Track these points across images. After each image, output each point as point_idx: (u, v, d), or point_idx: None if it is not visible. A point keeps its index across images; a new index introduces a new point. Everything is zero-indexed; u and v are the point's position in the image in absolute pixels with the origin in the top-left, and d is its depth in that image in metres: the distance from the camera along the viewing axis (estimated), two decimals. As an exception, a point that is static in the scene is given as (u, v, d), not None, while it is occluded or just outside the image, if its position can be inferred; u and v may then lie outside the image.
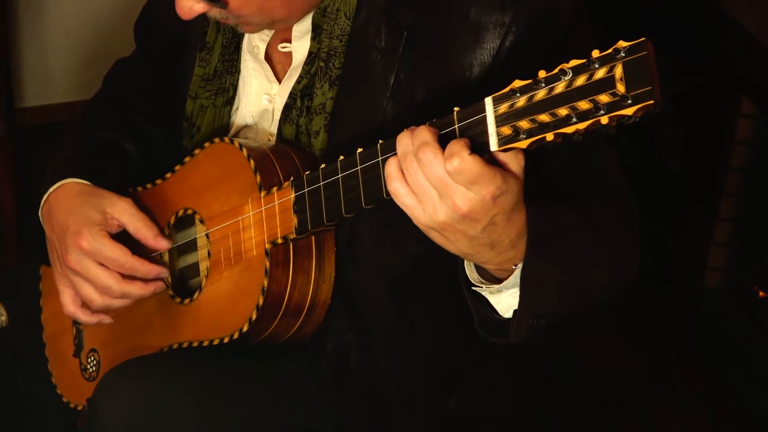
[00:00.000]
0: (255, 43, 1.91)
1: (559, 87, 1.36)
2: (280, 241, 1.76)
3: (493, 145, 1.43)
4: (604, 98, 1.32)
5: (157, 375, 1.85)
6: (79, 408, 2.07)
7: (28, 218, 2.01)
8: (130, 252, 1.88)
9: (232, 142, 1.84)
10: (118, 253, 1.87)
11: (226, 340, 1.83)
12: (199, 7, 1.74)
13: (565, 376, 2.06)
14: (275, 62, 1.92)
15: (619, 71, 1.31)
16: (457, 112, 1.47)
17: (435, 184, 1.45)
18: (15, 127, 3.44)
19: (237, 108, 1.96)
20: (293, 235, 1.75)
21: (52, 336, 2.13)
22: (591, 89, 1.33)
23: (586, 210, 1.68)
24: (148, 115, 2.13)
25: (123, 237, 1.92)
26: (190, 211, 1.91)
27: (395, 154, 1.52)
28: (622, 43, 1.31)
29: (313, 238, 1.80)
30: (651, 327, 3.36)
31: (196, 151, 1.90)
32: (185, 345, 1.89)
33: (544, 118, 1.37)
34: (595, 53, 1.33)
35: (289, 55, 1.89)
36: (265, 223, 1.78)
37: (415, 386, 1.89)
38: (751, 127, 3.08)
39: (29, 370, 2.13)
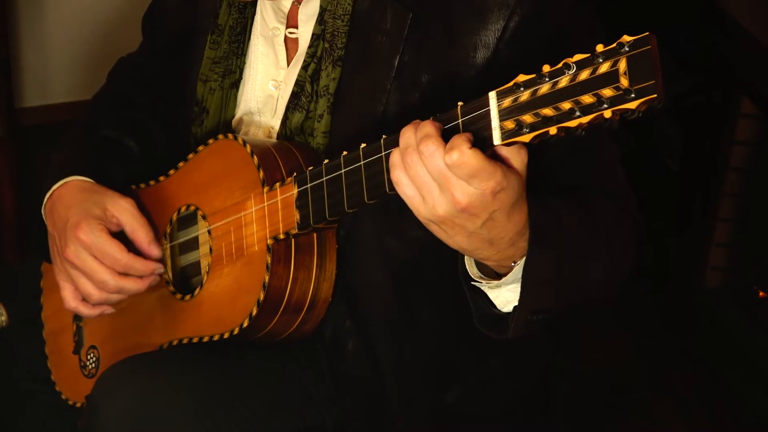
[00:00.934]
0: (273, 25, 1.92)
1: (563, 81, 1.36)
2: (282, 236, 1.77)
3: (497, 139, 1.43)
4: (607, 92, 1.33)
5: (157, 373, 1.85)
6: (78, 405, 2.07)
7: (28, 218, 2.02)
8: (126, 249, 1.89)
9: (236, 138, 1.84)
10: (114, 249, 1.88)
11: (226, 336, 1.83)
12: None
13: (565, 377, 2.06)
14: (287, 48, 1.92)
15: (623, 65, 1.32)
16: (461, 106, 1.48)
17: (435, 177, 1.46)
18: (15, 127, 3.44)
19: (242, 92, 1.96)
20: (295, 231, 1.75)
21: (52, 333, 2.14)
22: (595, 83, 1.34)
23: (586, 205, 1.68)
24: (151, 113, 2.14)
25: (122, 236, 1.92)
26: (192, 208, 1.92)
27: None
28: (626, 38, 1.32)
29: (315, 235, 1.80)
30: (651, 327, 3.36)
31: (200, 148, 1.91)
32: (185, 341, 1.89)
33: (547, 111, 1.38)
34: (600, 47, 1.34)
35: (296, 41, 1.90)
36: (268, 218, 1.78)
37: (412, 377, 1.89)
38: (751, 127, 3.09)
39: (29, 369, 2.14)
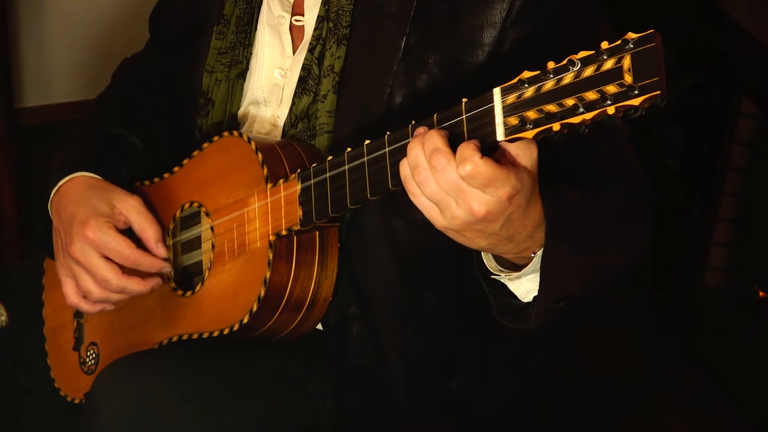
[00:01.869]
0: (279, 13, 1.92)
1: (568, 78, 1.37)
2: (284, 232, 1.77)
3: (500, 135, 1.43)
4: (611, 89, 1.33)
5: (156, 371, 1.85)
6: (76, 401, 2.07)
7: (28, 218, 2.02)
8: (134, 245, 1.89)
9: (240, 135, 1.84)
10: (122, 245, 1.88)
11: (225, 332, 1.83)
12: None
13: (567, 375, 2.05)
14: (292, 36, 1.93)
15: (627, 62, 1.32)
16: (465, 102, 1.48)
17: (450, 189, 1.46)
18: (15, 127, 3.44)
19: (248, 82, 1.96)
20: (298, 227, 1.75)
21: (52, 330, 2.13)
22: (599, 80, 1.34)
23: (598, 189, 1.69)
24: (155, 112, 2.14)
25: (127, 233, 1.92)
26: (195, 204, 1.92)
27: (402, 144, 1.54)
28: (631, 35, 1.32)
29: (317, 233, 1.81)
30: (653, 327, 3.36)
31: (205, 145, 1.91)
32: (185, 337, 1.89)
33: (551, 108, 1.38)
34: (604, 44, 1.34)
35: (301, 29, 1.90)
36: (270, 215, 1.79)
37: (415, 364, 1.89)
38: (751, 127, 3.09)
39: (29, 368, 2.13)
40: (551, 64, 1.39)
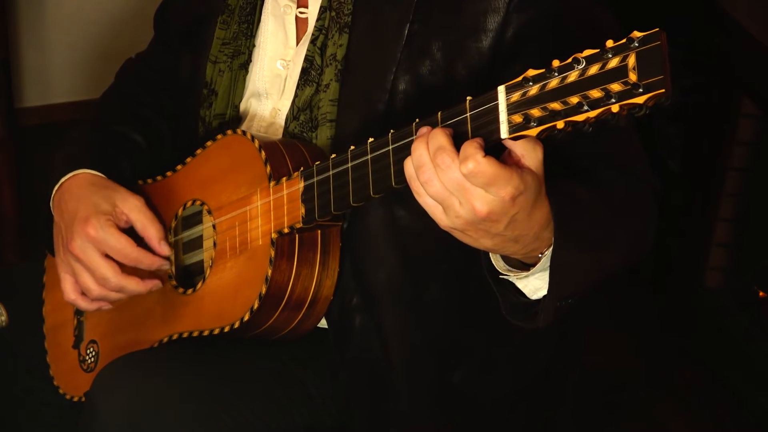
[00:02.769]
0: (285, 3, 1.92)
1: (572, 76, 1.37)
2: (286, 230, 1.77)
3: (504, 133, 1.44)
4: (615, 87, 1.33)
5: (156, 371, 1.85)
6: (75, 399, 2.07)
7: (28, 218, 2.02)
8: (135, 243, 1.89)
9: (244, 133, 1.85)
10: (123, 243, 1.88)
11: (226, 330, 1.83)
12: None
13: (569, 372, 2.05)
14: (298, 28, 1.93)
15: (632, 61, 1.32)
16: (470, 100, 1.48)
17: (453, 188, 1.46)
18: (15, 127, 3.44)
19: (250, 74, 1.96)
20: (300, 225, 1.75)
21: (52, 328, 2.13)
22: (603, 78, 1.34)
23: (604, 183, 1.69)
24: (158, 111, 2.14)
25: (128, 232, 1.92)
26: (198, 203, 1.92)
27: (406, 143, 1.54)
28: (636, 33, 1.33)
29: (319, 232, 1.81)
30: (652, 327, 3.36)
31: (208, 143, 1.91)
32: (185, 335, 1.89)
33: (555, 106, 1.38)
34: (609, 43, 1.34)
35: (305, 21, 1.90)
36: (273, 212, 1.79)
37: (418, 354, 1.89)
38: (751, 127, 3.09)
39: (29, 368, 2.13)
40: (556, 62, 1.39)
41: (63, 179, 1.97)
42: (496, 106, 1.44)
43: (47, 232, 2.02)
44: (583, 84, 1.36)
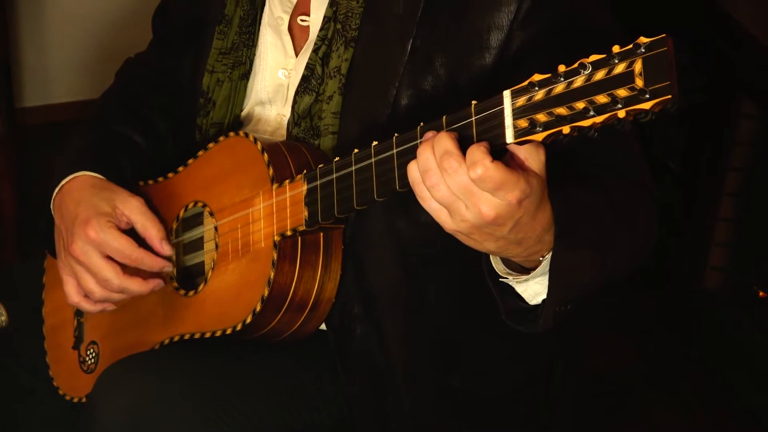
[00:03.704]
0: (278, 15, 1.92)
1: (578, 81, 1.37)
2: (289, 233, 1.77)
3: (509, 138, 1.43)
4: (622, 92, 1.33)
5: (157, 372, 1.85)
6: (75, 400, 2.07)
7: (28, 218, 2.01)
8: (136, 244, 1.89)
9: (246, 135, 1.84)
10: (124, 245, 1.88)
11: (228, 332, 1.83)
12: None
13: (570, 372, 2.06)
14: (295, 36, 1.93)
15: (638, 66, 1.32)
16: (475, 105, 1.48)
17: (460, 192, 1.46)
18: (15, 127, 3.44)
19: (252, 83, 1.96)
20: (303, 228, 1.75)
21: (52, 328, 2.13)
22: (610, 83, 1.34)
23: (604, 187, 1.69)
24: (158, 110, 2.13)
25: (129, 234, 1.92)
26: (200, 204, 1.92)
27: (411, 146, 1.54)
28: (642, 39, 1.32)
29: (321, 234, 1.81)
30: (651, 328, 3.36)
31: (210, 145, 1.91)
32: (186, 337, 1.89)
33: (561, 111, 1.38)
34: (616, 48, 1.34)
35: (306, 29, 1.90)
36: (276, 215, 1.79)
37: (419, 356, 1.89)
38: (751, 127, 3.09)
39: (29, 368, 2.13)
40: (562, 68, 1.39)
41: (63, 182, 1.97)
42: (502, 111, 1.44)
43: (48, 235, 2.02)
44: (590, 89, 1.35)
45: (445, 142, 1.47)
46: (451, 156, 1.45)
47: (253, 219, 1.83)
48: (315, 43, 1.86)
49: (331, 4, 1.84)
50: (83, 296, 1.94)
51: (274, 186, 1.79)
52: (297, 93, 1.88)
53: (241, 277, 1.84)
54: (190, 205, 1.94)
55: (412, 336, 1.88)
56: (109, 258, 1.89)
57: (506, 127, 1.43)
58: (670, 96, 1.30)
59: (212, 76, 1.97)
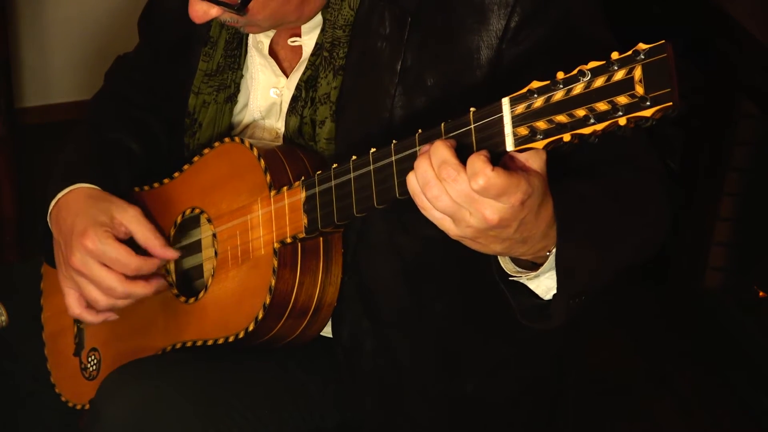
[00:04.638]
0: (259, 39, 1.91)
1: (578, 88, 1.36)
2: (289, 240, 1.76)
3: (509, 146, 1.43)
4: (622, 100, 1.32)
5: (160, 377, 1.85)
6: (78, 407, 2.07)
7: (28, 218, 2.00)
8: (134, 252, 1.88)
9: (242, 141, 1.84)
10: (122, 254, 1.87)
11: (231, 340, 1.83)
12: (214, 12, 1.74)
13: (572, 373, 2.06)
14: (281, 58, 1.92)
15: (638, 73, 1.31)
16: (474, 112, 1.47)
17: (463, 201, 1.45)
18: (15, 127, 3.44)
19: (245, 105, 1.96)
20: (302, 235, 1.75)
21: (52, 335, 2.13)
22: (609, 91, 1.33)
23: (607, 175, 1.68)
24: (151, 110, 2.11)
25: (128, 242, 1.92)
26: (197, 211, 1.91)
27: (410, 153, 1.53)
28: (641, 45, 1.31)
29: (321, 239, 1.80)
30: (651, 327, 3.36)
31: (206, 151, 1.90)
32: (189, 344, 1.89)
33: (561, 118, 1.37)
34: (615, 55, 1.33)
35: (297, 49, 1.89)
36: (274, 222, 1.78)
37: (427, 368, 1.90)
38: (751, 127, 3.09)
39: (30, 370, 2.13)
40: (560, 74, 1.38)
41: (59, 195, 1.96)
42: (501, 119, 1.43)
43: (47, 247, 2.01)
44: (590, 96, 1.35)
45: (441, 151, 1.46)
46: (449, 165, 1.45)
47: (252, 226, 1.82)
48: (306, 67, 1.85)
49: (322, 31, 1.83)
50: (85, 307, 1.94)
51: (272, 193, 1.79)
52: (288, 113, 1.88)
53: (241, 285, 1.84)
54: (188, 211, 1.93)
55: (419, 350, 1.89)
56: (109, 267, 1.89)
57: (506, 135, 1.43)
58: (671, 103, 1.29)
59: (198, 98, 1.96)
